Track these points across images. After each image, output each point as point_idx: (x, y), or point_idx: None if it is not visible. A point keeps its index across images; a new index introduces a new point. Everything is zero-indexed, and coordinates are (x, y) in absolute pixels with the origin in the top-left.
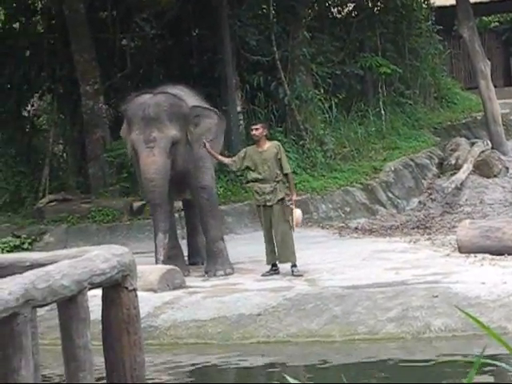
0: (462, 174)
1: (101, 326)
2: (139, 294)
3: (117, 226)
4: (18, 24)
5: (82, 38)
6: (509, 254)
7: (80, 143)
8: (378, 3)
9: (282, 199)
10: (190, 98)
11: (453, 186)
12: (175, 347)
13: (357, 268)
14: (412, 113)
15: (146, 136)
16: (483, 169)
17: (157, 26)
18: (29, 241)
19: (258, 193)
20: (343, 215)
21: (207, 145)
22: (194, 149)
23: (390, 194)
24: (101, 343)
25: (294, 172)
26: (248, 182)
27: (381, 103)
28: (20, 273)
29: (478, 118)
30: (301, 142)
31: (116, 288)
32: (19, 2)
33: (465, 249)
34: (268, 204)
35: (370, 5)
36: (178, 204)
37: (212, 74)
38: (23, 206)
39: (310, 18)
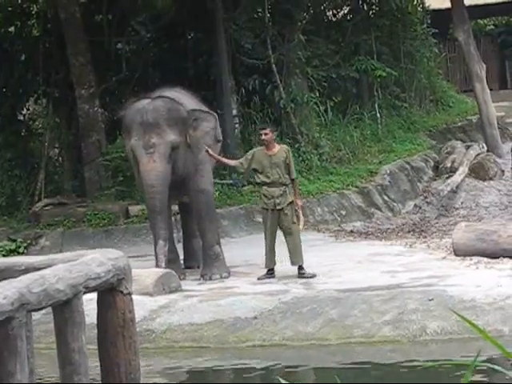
0: (457, 177)
1: (96, 330)
2: (135, 297)
3: (112, 229)
4: (13, 27)
5: (78, 42)
6: (504, 257)
7: (76, 147)
8: (374, 6)
9: (292, 202)
10: (188, 101)
11: (448, 189)
12: (171, 351)
13: (353, 271)
14: (407, 116)
15: (146, 142)
16: (479, 172)
17: (152, 29)
18: (24, 245)
19: (266, 196)
20: (339, 218)
21: (209, 150)
22: (193, 152)
23: (386, 197)
24: (96, 347)
25: None
26: (257, 183)
27: (376, 106)
28: (15, 277)
29: (474, 121)
30: (296, 146)
31: (111, 292)
32: (14, 6)
33: (460, 252)
34: (278, 208)
35: (365, 8)
36: (174, 208)
37: (207, 77)
38: (19, 209)
39: (306, 21)
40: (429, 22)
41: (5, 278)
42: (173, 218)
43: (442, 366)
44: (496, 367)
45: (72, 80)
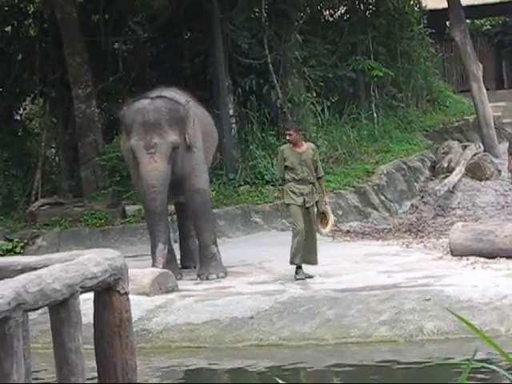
0: (454, 177)
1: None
2: (132, 297)
3: (109, 229)
4: (10, 27)
5: (74, 42)
6: (501, 257)
7: (72, 147)
8: (370, 6)
9: (317, 202)
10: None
11: (445, 189)
12: (168, 351)
13: (349, 271)
14: (404, 116)
15: (147, 142)
16: (475, 172)
17: (149, 29)
18: (21, 244)
19: (295, 193)
20: (335, 218)
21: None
22: (190, 152)
23: (383, 197)
24: (93, 347)
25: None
26: (284, 180)
27: (373, 106)
28: (12, 276)
29: (470, 120)
30: None
31: (108, 292)
32: (11, 6)
33: (457, 252)
34: (307, 205)
35: (362, 8)
36: (171, 207)
37: (204, 77)
38: (15, 209)
39: (302, 21)
40: (425, 21)
41: (1, 278)
42: (169, 218)
43: (438, 365)
44: (492, 367)
45: (69, 80)
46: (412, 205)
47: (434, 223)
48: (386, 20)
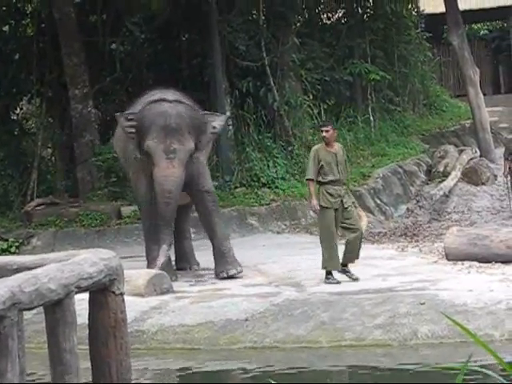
0: (450, 182)
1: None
2: (127, 298)
3: (105, 230)
4: (7, 27)
5: (72, 42)
6: (496, 262)
7: (68, 147)
8: (368, 10)
9: (353, 202)
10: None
11: (441, 193)
12: (162, 352)
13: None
14: (401, 120)
15: (167, 146)
16: (471, 176)
17: (147, 30)
18: (16, 244)
19: (332, 195)
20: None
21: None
22: (199, 155)
23: (378, 201)
24: (87, 347)
25: (282, 178)
26: (320, 182)
27: (370, 110)
28: (7, 276)
29: (467, 125)
30: (289, 148)
31: (103, 292)
32: (9, 5)
33: (452, 256)
34: (345, 206)
35: (359, 11)
36: None
37: (201, 78)
38: (11, 209)
39: (300, 24)
40: (423, 26)
41: None
42: None
43: (432, 369)
44: (486, 371)
45: (66, 80)
46: (408, 209)
47: (429, 227)
48: (383, 24)
